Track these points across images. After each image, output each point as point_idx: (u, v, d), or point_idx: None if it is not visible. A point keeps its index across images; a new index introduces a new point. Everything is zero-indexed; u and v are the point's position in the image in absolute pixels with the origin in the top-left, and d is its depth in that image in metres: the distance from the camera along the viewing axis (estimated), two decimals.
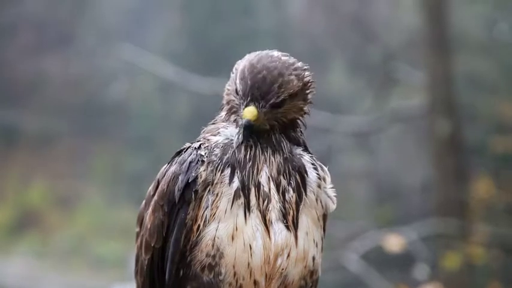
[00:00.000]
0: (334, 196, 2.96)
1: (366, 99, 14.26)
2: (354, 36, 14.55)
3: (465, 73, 12.60)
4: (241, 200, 2.80)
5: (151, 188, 2.96)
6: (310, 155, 2.93)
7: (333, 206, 2.96)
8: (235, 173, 2.81)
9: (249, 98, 2.81)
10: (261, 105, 2.80)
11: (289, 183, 2.84)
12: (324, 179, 2.94)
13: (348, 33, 14.84)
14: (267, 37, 17.04)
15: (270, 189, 2.82)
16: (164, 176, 2.90)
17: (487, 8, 14.35)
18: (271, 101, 2.81)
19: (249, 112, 2.79)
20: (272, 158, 2.84)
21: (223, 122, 2.94)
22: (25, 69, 19.15)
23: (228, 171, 2.82)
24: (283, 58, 2.86)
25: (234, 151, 2.84)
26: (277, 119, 2.85)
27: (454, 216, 10.34)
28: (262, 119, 2.81)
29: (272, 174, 2.83)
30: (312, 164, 2.92)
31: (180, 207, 2.83)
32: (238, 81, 2.85)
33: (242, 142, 2.83)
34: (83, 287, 16.81)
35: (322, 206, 2.92)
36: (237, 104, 2.86)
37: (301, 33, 16.90)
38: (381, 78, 13.16)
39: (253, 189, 2.80)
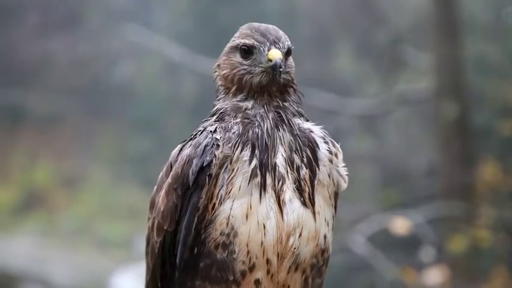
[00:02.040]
0: (346, 175, 2.99)
1: (373, 82, 14.22)
2: (361, 19, 14.52)
3: (472, 56, 12.56)
4: (258, 179, 2.82)
5: (163, 171, 2.97)
6: (320, 128, 2.96)
7: (344, 185, 2.98)
8: (255, 152, 2.83)
9: (268, 43, 2.90)
10: (279, 46, 2.92)
11: (301, 160, 2.86)
12: (336, 155, 2.97)
13: (355, 16, 14.80)
14: (274, 19, 16.99)
15: (286, 171, 2.84)
16: (178, 159, 2.91)
17: None
18: (286, 44, 2.94)
19: (275, 53, 2.89)
20: (286, 135, 2.87)
21: (233, 99, 2.96)
22: (32, 50, 19.15)
23: (247, 149, 2.84)
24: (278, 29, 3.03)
25: (255, 129, 2.86)
26: (285, 75, 2.93)
27: (460, 200, 10.34)
28: (283, 65, 2.91)
29: (287, 153, 2.85)
30: (323, 138, 2.95)
31: (193, 191, 2.85)
32: (245, 40, 2.92)
33: (273, 80, 2.89)
34: (89, 267, 16.87)
35: (333, 183, 2.94)
36: (245, 68, 2.91)
37: (308, 16, 16.85)
38: (388, 61, 13.12)
39: (269, 169, 2.82)
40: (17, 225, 17.90)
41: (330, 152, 2.95)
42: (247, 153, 2.84)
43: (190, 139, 2.93)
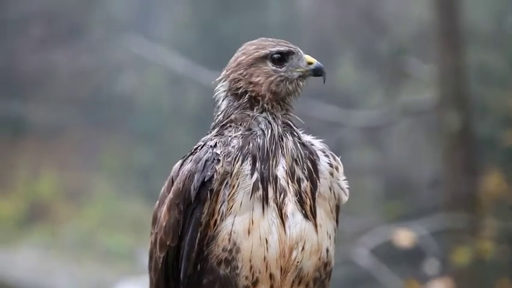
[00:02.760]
0: (347, 188, 2.99)
1: (376, 93, 14.22)
2: (364, 29, 14.51)
3: (475, 67, 12.55)
4: (260, 192, 2.81)
5: (165, 186, 2.96)
6: (320, 141, 2.96)
7: (345, 198, 2.98)
8: (256, 164, 2.82)
9: (298, 50, 2.98)
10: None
11: (303, 172, 2.85)
12: (337, 168, 2.97)
13: (358, 26, 14.80)
14: (277, 30, 17.00)
15: (287, 183, 2.83)
16: (179, 174, 2.90)
17: (497, 1, 14.29)
18: None
19: (311, 57, 2.99)
20: (289, 144, 2.86)
21: (245, 110, 2.95)
22: (35, 61, 19.16)
23: (247, 162, 2.83)
24: None
25: (256, 140, 2.85)
26: (290, 85, 3.01)
27: (463, 211, 10.31)
28: None
29: (288, 164, 2.84)
30: (323, 151, 2.94)
31: (195, 206, 2.85)
32: (277, 48, 2.95)
33: (325, 79, 2.97)
34: (92, 279, 16.84)
35: (335, 196, 2.93)
36: (281, 75, 2.94)
37: (311, 26, 16.85)
38: (391, 72, 13.13)
39: (271, 181, 2.81)
40: (20, 238, 17.88)
41: (331, 165, 2.95)
42: (247, 166, 2.84)
43: (191, 154, 2.92)
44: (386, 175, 14.66)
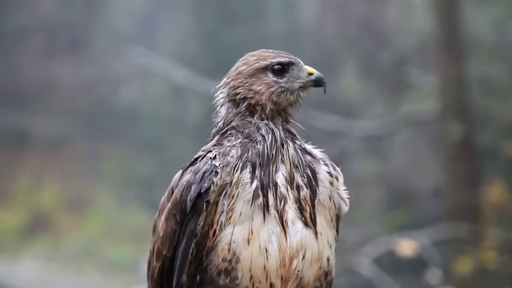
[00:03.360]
0: (347, 198, 2.99)
1: (378, 104, 14.23)
2: (365, 40, 14.54)
3: (477, 77, 12.56)
4: (260, 199, 2.81)
5: (165, 196, 2.97)
6: (320, 151, 2.97)
7: (345, 208, 2.97)
8: (255, 172, 2.82)
9: (299, 61, 3.00)
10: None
11: (302, 180, 2.86)
12: (337, 178, 2.97)
13: (360, 37, 14.82)
14: (279, 41, 17.03)
15: (287, 190, 2.83)
16: (178, 184, 2.92)
17: (499, 11, 14.31)
18: None
19: (312, 68, 3.02)
20: (290, 150, 2.87)
21: (245, 116, 2.96)
22: (37, 73, 19.19)
23: (247, 170, 2.83)
24: None
25: (256, 146, 2.86)
26: (291, 95, 3.04)
27: (465, 221, 10.31)
28: None
29: (287, 171, 2.85)
30: (323, 160, 2.95)
31: (190, 217, 2.85)
32: (278, 59, 2.97)
33: (325, 90, 2.99)
34: None
35: (335, 205, 2.93)
36: (282, 86, 2.96)
37: (313, 37, 16.88)
38: (393, 82, 13.16)
39: (271, 188, 2.81)
40: (22, 248, 17.88)
41: (331, 175, 2.95)
42: (247, 175, 2.84)
43: (191, 164, 2.93)
44: (388, 185, 14.65)
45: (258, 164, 2.84)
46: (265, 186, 2.82)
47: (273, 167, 2.85)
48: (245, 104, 2.97)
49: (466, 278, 10.04)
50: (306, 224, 2.85)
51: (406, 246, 9.08)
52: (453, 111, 10.75)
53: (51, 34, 19.65)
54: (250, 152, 2.86)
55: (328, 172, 2.95)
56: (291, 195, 2.85)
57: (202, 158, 2.91)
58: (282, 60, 2.96)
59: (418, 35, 13.98)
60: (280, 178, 2.85)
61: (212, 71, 14.57)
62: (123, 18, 20.10)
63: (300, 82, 2.96)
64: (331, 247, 2.91)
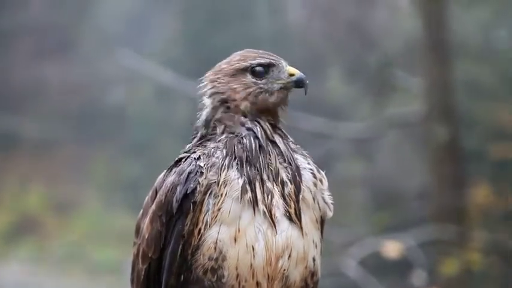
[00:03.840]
0: (331, 203, 2.98)
1: (364, 106, 14.25)
2: (352, 42, 14.56)
3: (463, 79, 12.60)
4: (249, 194, 2.80)
5: (148, 196, 2.96)
6: (304, 151, 2.97)
7: (329, 213, 2.96)
8: (243, 167, 2.82)
9: (282, 60, 2.97)
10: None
11: (286, 175, 2.86)
12: (321, 181, 2.95)
13: (346, 39, 14.84)
14: (266, 43, 17.03)
15: (273, 185, 2.83)
16: (162, 185, 2.91)
17: (486, 14, 14.36)
18: None
19: (294, 69, 2.97)
20: (273, 150, 2.87)
21: (228, 111, 2.97)
22: (24, 75, 19.14)
23: (234, 168, 2.83)
24: None
25: (242, 141, 2.86)
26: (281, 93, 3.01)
27: (451, 223, 10.34)
28: None
29: (273, 168, 2.85)
30: (304, 157, 2.95)
31: (177, 218, 2.83)
32: (258, 60, 2.96)
33: (307, 91, 2.95)
34: None
35: (319, 207, 2.92)
36: (261, 87, 2.94)
37: (299, 39, 16.90)
38: (379, 84, 13.17)
39: (258, 184, 2.81)
40: (8, 252, 17.81)
41: (314, 176, 2.94)
42: (234, 172, 2.83)
43: (175, 165, 2.93)
44: (374, 186, 14.67)
45: (245, 158, 2.84)
46: (253, 181, 2.82)
47: (259, 160, 2.85)
48: (225, 102, 2.97)
49: (451, 279, 10.06)
50: (291, 219, 2.84)
51: (392, 248, 9.09)
52: (439, 114, 10.78)
53: (39, 36, 19.61)
54: (236, 148, 2.86)
55: (312, 173, 2.95)
56: (276, 190, 2.85)
57: (186, 159, 2.91)
58: (262, 61, 2.95)
59: (404, 38, 14.01)
60: (266, 173, 2.85)
61: (200, 73, 14.55)
62: (112, 20, 20.08)
63: (280, 83, 2.94)
64: (316, 247, 2.90)
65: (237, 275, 2.79)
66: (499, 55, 13.94)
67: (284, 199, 2.85)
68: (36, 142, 19.32)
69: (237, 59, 2.98)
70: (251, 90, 2.94)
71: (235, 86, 2.95)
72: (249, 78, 2.94)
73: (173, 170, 2.91)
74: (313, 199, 2.92)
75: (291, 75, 2.95)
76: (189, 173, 2.85)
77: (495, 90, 13.66)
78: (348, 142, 12.98)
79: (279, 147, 2.89)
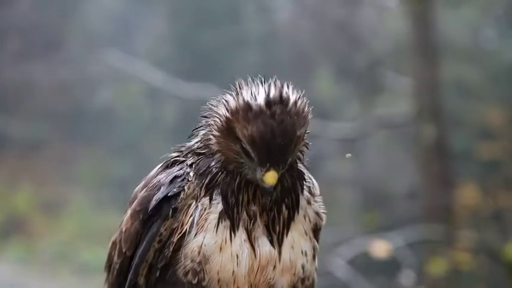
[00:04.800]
0: (323, 212, 2.91)
1: (353, 106, 14.29)
2: (340, 43, 14.59)
3: (451, 80, 12.64)
4: (227, 222, 2.75)
5: (138, 187, 2.92)
6: (306, 173, 2.88)
7: (321, 223, 2.90)
8: (223, 197, 2.75)
9: (268, 165, 2.65)
10: (280, 167, 2.66)
11: (282, 204, 2.79)
12: (314, 195, 2.91)
13: (335, 40, 14.87)
14: (254, 43, 17.05)
15: (257, 210, 2.77)
16: (151, 181, 2.86)
17: (474, 15, 14.41)
18: (289, 161, 2.71)
19: (271, 177, 2.66)
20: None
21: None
22: (11, 75, 19.09)
23: (215, 194, 2.76)
24: (296, 108, 2.68)
25: (225, 178, 2.76)
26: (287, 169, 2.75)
27: (440, 223, 10.37)
28: (277, 190, 2.73)
29: (259, 203, 2.78)
30: (307, 183, 2.87)
31: (154, 220, 2.79)
32: (246, 144, 2.68)
33: (269, 198, 2.72)
34: None
35: (310, 221, 2.88)
36: (242, 163, 2.71)
37: (288, 39, 16.91)
38: (367, 84, 13.21)
39: (240, 211, 2.76)
40: None
41: (310, 192, 2.89)
42: (214, 196, 2.78)
43: (170, 165, 2.89)
44: (363, 187, 14.70)
45: (227, 193, 2.77)
46: (231, 209, 2.75)
47: (243, 197, 2.76)
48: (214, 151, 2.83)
49: (439, 279, 10.09)
50: (271, 243, 2.80)
51: (381, 248, 9.10)
52: (427, 114, 10.80)
53: (26, 36, 19.55)
54: (219, 176, 2.76)
55: (309, 192, 2.88)
56: (262, 214, 2.79)
57: (179, 163, 2.86)
58: (247, 148, 2.65)
59: (392, 38, 14.05)
60: (251, 203, 2.80)
61: (188, 73, 14.57)
62: (99, 20, 20.04)
63: (254, 178, 2.73)
64: (306, 255, 2.83)
65: (218, 280, 2.75)
66: (486, 55, 14.00)
67: (272, 223, 2.81)
68: (24, 142, 19.27)
69: (250, 131, 2.65)
70: (232, 156, 2.73)
71: (219, 147, 2.76)
72: (237, 147, 2.70)
73: (166, 171, 2.86)
74: (304, 217, 2.85)
75: (263, 181, 2.67)
76: (176, 176, 2.80)
77: (483, 90, 13.72)
78: (336, 142, 12.99)
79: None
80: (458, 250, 10.36)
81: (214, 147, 2.77)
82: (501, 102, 13.47)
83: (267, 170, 2.64)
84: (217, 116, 2.75)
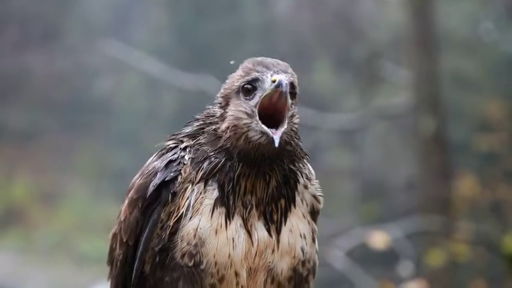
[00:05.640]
0: (320, 195, 2.92)
1: (352, 97, 14.29)
2: (339, 34, 14.58)
3: (450, 71, 12.64)
4: (222, 209, 2.76)
5: (136, 177, 2.91)
6: (305, 160, 2.89)
7: (319, 206, 2.92)
8: (219, 186, 2.76)
9: (271, 71, 2.74)
10: (286, 77, 2.73)
11: (279, 197, 2.81)
12: (310, 179, 2.91)
13: (334, 31, 14.86)
14: (253, 34, 17.02)
15: (253, 200, 2.77)
16: (146, 169, 2.87)
17: (472, 6, 14.40)
18: (291, 79, 2.76)
19: (280, 75, 2.71)
20: (261, 184, 2.78)
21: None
22: (10, 65, 19.06)
23: (211, 181, 2.77)
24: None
25: (223, 168, 2.77)
26: (292, 126, 2.76)
27: (438, 214, 10.38)
28: (288, 108, 2.72)
29: (257, 194, 2.79)
30: (305, 171, 2.88)
31: (155, 207, 2.79)
32: (246, 77, 2.76)
33: (283, 101, 2.70)
34: (67, 283, 16.76)
35: (307, 205, 2.88)
36: (248, 121, 2.73)
37: (287, 30, 16.89)
38: (367, 76, 13.21)
39: (236, 200, 2.77)
40: None
41: (307, 177, 2.89)
42: (210, 185, 2.79)
43: (164, 151, 2.89)
44: (361, 178, 14.70)
45: (226, 180, 2.77)
46: (226, 196, 2.75)
47: (240, 185, 2.76)
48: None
49: (438, 270, 10.11)
50: (269, 232, 2.80)
51: (379, 239, 9.10)
52: (426, 105, 10.80)
53: (24, 25, 19.52)
54: (218, 166, 2.78)
55: (306, 177, 2.89)
56: (260, 203, 2.79)
57: (173, 148, 2.86)
58: (248, 78, 2.77)
59: (391, 29, 14.04)
60: (248, 192, 2.79)
61: (187, 64, 14.55)
62: (97, 10, 20.01)
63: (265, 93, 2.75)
64: (305, 238, 2.84)
65: (215, 263, 2.75)
66: (485, 47, 14.00)
67: (270, 211, 2.80)
68: (22, 132, 19.26)
69: (238, 74, 2.81)
70: (245, 120, 2.75)
71: (227, 123, 2.80)
72: (242, 98, 2.77)
73: (161, 157, 2.86)
74: (302, 201, 2.87)
75: (274, 81, 2.72)
76: (171, 160, 2.80)
77: (481, 82, 13.72)
78: (335, 133, 13.00)
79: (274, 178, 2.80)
80: (457, 241, 10.37)
81: (222, 126, 2.79)
82: (500, 94, 13.48)
83: (272, 75, 2.73)
84: (219, 95, 2.85)
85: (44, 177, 18.93)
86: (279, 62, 2.79)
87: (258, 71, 2.76)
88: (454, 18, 14.02)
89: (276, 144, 2.68)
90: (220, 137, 2.79)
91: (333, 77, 15.96)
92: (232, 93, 2.81)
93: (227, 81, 2.86)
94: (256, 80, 2.76)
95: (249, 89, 2.77)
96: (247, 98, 2.77)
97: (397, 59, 12.79)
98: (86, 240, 17.70)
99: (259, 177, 2.78)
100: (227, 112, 2.80)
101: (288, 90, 2.70)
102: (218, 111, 2.84)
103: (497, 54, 14.06)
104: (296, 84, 2.80)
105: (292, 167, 2.83)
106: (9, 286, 16.56)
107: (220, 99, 2.87)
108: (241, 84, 2.78)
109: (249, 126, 2.73)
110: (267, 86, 2.73)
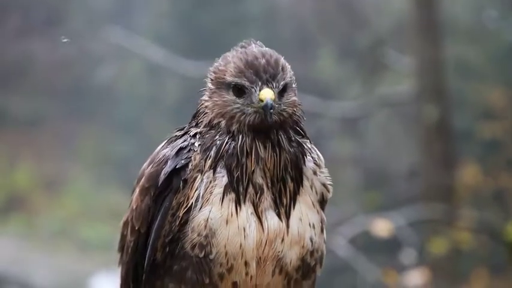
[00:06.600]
0: (329, 184, 2.91)
1: (355, 85, 14.27)
2: (342, 21, 14.55)
3: (454, 59, 12.62)
4: (232, 195, 2.77)
5: (146, 164, 2.91)
6: (309, 142, 2.89)
7: (328, 194, 2.91)
8: (228, 170, 2.77)
9: (260, 82, 2.76)
10: (274, 85, 2.76)
11: (286, 174, 2.80)
12: (319, 166, 2.90)
13: (337, 18, 14.83)
14: (256, 21, 17.00)
15: (263, 183, 2.79)
16: (156, 157, 2.87)
17: None
18: (281, 83, 2.78)
19: (267, 92, 2.74)
20: (268, 154, 2.79)
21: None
22: (13, 52, 19.05)
23: (220, 167, 2.77)
24: (268, 50, 2.85)
25: (229, 149, 2.78)
26: (281, 112, 2.79)
27: (441, 202, 10.38)
28: (276, 103, 2.76)
29: (266, 168, 2.78)
30: (311, 153, 2.88)
31: (166, 194, 2.79)
32: (236, 79, 2.78)
33: (266, 120, 2.74)
34: (69, 269, 16.79)
35: (316, 192, 2.89)
36: (238, 107, 2.78)
37: (290, 18, 16.86)
38: (370, 63, 13.19)
39: (245, 184, 2.77)
40: None
41: (315, 163, 2.90)
42: (219, 169, 2.79)
43: (173, 139, 2.90)
44: (364, 166, 14.70)
45: (231, 162, 2.78)
46: (236, 182, 2.76)
47: (247, 164, 2.77)
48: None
49: (440, 258, 10.12)
50: (279, 216, 2.80)
51: (382, 227, 9.11)
52: (430, 93, 10.79)
53: (27, 12, 19.50)
54: (224, 151, 2.79)
55: (314, 163, 2.88)
56: (269, 187, 2.79)
57: (182, 135, 2.86)
58: (239, 82, 2.78)
59: (395, 17, 14.01)
60: (257, 172, 2.80)
61: (189, 51, 14.53)
62: None
63: (253, 106, 2.77)
64: (314, 227, 2.83)
65: (226, 253, 2.76)
66: (489, 35, 13.96)
67: (279, 196, 2.81)
68: (24, 119, 19.27)
69: (231, 67, 2.80)
70: (228, 109, 2.80)
71: (215, 109, 2.84)
72: (231, 95, 2.80)
73: (170, 144, 2.87)
74: (311, 187, 2.87)
75: (261, 100, 2.74)
76: (181, 148, 2.81)
77: (485, 70, 13.70)
78: (338, 121, 12.99)
79: (277, 150, 2.81)
80: (459, 229, 10.38)
81: (213, 115, 2.82)
82: (503, 82, 13.46)
83: (261, 89, 2.75)
84: (208, 79, 2.87)
85: (47, 164, 18.95)
86: (270, 62, 2.79)
87: (247, 78, 2.77)
88: (458, 5, 13.99)
89: (270, 116, 2.74)
90: (218, 123, 2.82)
91: (336, 65, 15.93)
92: (223, 83, 2.83)
93: (220, 61, 2.87)
94: (244, 87, 2.78)
95: (238, 89, 2.79)
96: (237, 96, 2.80)
97: (400, 46, 12.77)
98: (88, 227, 17.74)
99: (267, 148, 2.78)
100: (217, 101, 2.83)
101: (274, 108, 2.74)
102: (209, 100, 2.87)
103: (501, 42, 14.03)
104: (289, 81, 2.82)
105: (298, 138, 2.83)
106: (12, 272, 16.60)
107: (210, 85, 2.88)
108: (232, 84, 2.80)
109: (242, 111, 2.79)
110: (255, 100, 2.76)
